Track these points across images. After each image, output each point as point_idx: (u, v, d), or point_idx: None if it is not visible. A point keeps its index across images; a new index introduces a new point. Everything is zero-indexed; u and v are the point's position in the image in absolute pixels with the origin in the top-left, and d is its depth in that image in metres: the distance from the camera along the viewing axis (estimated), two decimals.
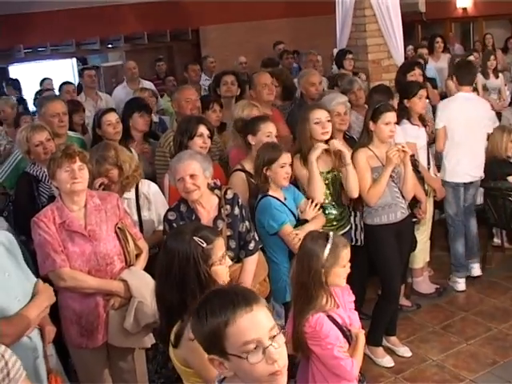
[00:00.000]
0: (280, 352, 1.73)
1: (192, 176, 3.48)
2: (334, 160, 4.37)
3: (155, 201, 4.08)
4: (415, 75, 5.81)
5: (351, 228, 4.59)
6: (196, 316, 1.80)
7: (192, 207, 3.57)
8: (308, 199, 4.16)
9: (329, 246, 2.97)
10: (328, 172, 4.38)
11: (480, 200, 6.01)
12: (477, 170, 5.56)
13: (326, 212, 4.33)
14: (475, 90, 6.93)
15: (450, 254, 5.76)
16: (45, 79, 8.82)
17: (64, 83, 7.56)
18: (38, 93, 7.98)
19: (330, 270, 2.97)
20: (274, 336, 1.73)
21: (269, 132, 4.28)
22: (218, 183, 3.75)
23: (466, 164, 5.46)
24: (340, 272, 3.01)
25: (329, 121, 4.29)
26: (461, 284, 5.64)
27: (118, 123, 4.78)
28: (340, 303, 3.09)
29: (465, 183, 5.53)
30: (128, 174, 3.90)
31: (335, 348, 2.90)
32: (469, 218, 5.74)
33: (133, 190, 4.02)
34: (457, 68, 5.87)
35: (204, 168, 3.53)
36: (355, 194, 4.38)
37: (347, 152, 4.32)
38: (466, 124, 5.39)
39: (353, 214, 4.63)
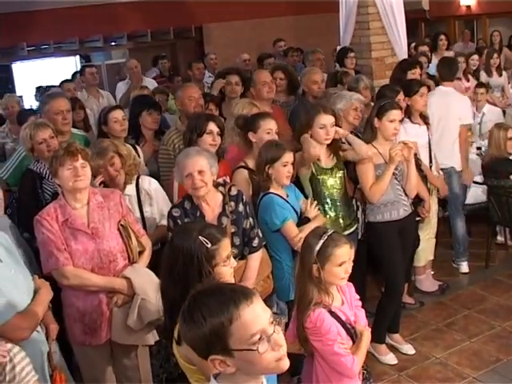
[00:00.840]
0: (282, 337, 1.79)
1: (200, 172, 3.47)
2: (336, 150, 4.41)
3: (156, 196, 4.10)
4: (415, 74, 5.80)
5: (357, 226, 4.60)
6: (190, 321, 1.77)
7: (196, 204, 3.57)
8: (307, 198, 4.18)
9: (321, 241, 2.95)
10: (332, 168, 4.39)
11: (482, 198, 6.03)
12: (443, 160, 5.57)
13: (332, 209, 4.35)
14: (483, 85, 7.01)
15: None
16: (76, 73, 8.72)
17: (63, 81, 7.55)
18: (38, 89, 7.97)
19: (324, 267, 2.93)
20: (273, 323, 1.77)
21: (269, 129, 4.26)
22: (228, 180, 3.75)
23: None
24: (335, 271, 2.95)
25: (332, 126, 4.29)
26: (463, 266, 5.80)
27: (124, 120, 4.77)
28: (346, 300, 3.08)
29: None
30: (130, 162, 3.93)
31: (336, 344, 2.89)
32: (454, 217, 5.80)
33: (134, 187, 4.04)
34: (441, 65, 6.00)
35: (211, 164, 3.52)
36: (365, 153, 4.35)
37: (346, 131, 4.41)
38: (438, 115, 5.50)
39: (356, 208, 4.64)
